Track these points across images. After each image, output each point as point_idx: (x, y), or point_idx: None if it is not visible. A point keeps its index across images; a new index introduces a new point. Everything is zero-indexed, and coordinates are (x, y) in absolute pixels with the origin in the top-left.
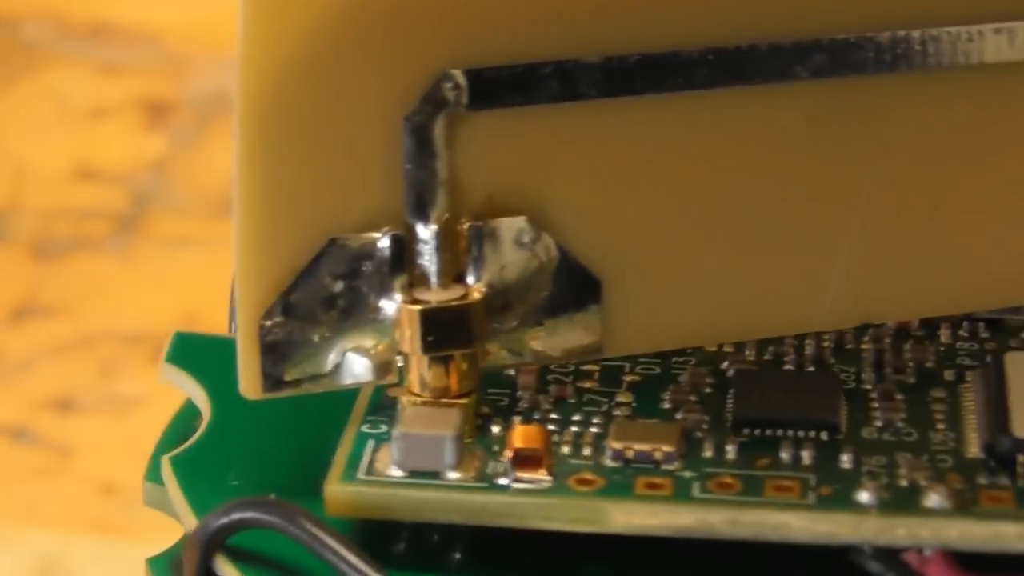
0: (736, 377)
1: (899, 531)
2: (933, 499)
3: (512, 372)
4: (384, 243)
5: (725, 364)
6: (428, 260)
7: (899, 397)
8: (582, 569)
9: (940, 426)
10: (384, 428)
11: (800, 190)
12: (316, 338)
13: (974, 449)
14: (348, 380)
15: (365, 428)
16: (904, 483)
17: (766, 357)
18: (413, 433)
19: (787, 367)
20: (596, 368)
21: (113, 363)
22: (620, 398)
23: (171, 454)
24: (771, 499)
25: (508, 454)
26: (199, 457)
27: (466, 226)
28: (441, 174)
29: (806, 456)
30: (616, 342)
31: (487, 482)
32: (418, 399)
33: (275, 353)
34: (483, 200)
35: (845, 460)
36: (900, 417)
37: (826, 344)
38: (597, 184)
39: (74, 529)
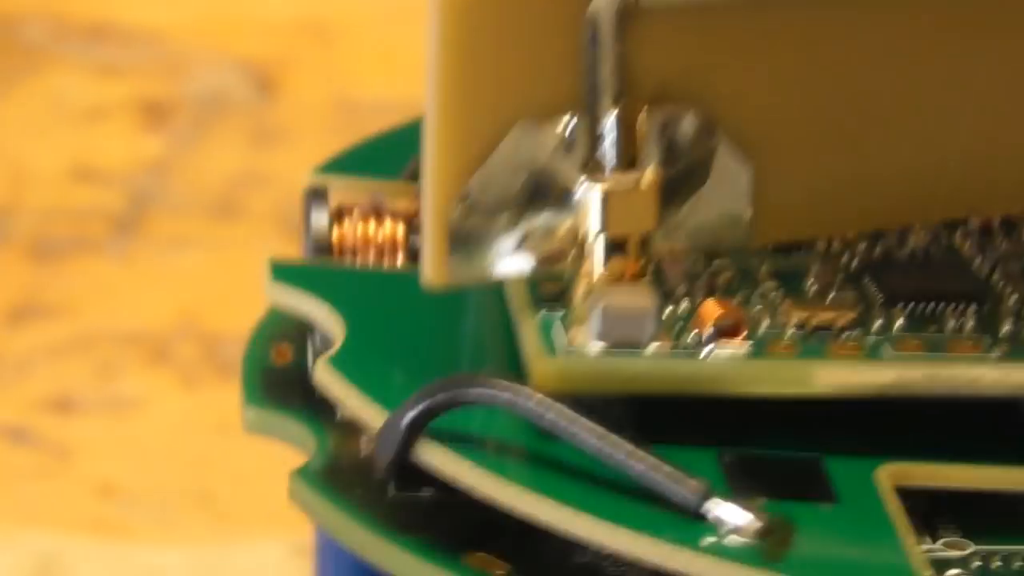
0: (868, 265)
1: None
2: None
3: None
4: (567, 128)
5: (840, 257)
6: (607, 145)
7: (1021, 278)
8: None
9: None
10: (562, 314)
11: (924, 83)
12: (500, 224)
13: None
14: (524, 267)
15: (543, 315)
16: None
17: (874, 251)
18: (616, 306)
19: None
20: (727, 262)
21: (112, 363)
22: (766, 285)
23: (328, 356)
24: (962, 354)
25: (706, 325)
26: (356, 359)
27: (640, 113)
28: (616, 64)
29: (970, 323)
30: (761, 231)
31: (689, 352)
32: (601, 281)
33: (462, 239)
34: (655, 89)
35: (1007, 324)
36: None
37: (921, 240)
38: (755, 75)
39: (74, 529)
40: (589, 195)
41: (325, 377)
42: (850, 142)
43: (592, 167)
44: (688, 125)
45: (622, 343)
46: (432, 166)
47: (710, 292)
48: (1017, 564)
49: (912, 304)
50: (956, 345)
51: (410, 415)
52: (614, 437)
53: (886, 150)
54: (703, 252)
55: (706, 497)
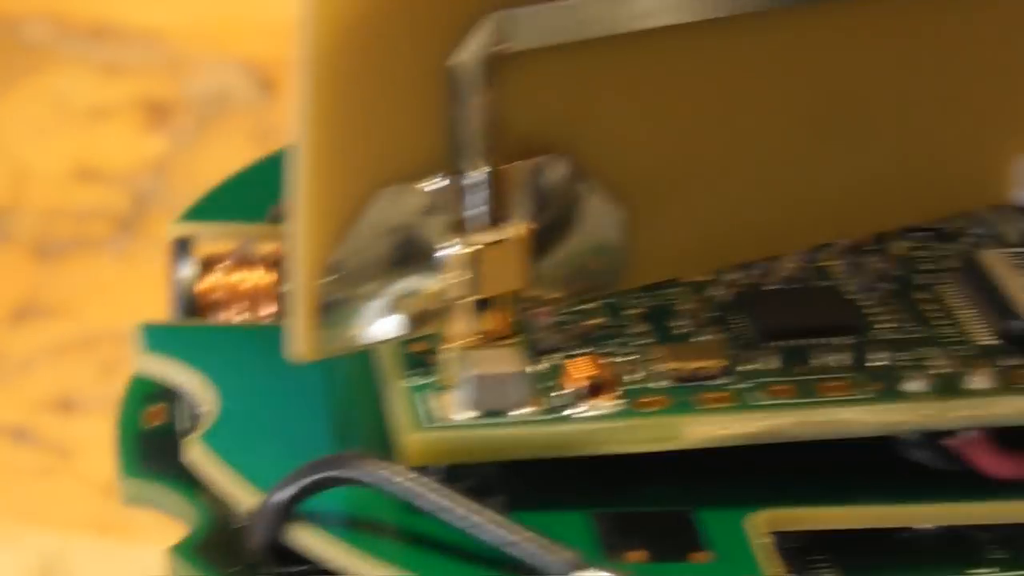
0: (740, 298)
1: (954, 413)
2: (977, 381)
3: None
4: (434, 189)
5: (711, 291)
6: (476, 203)
7: (893, 300)
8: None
9: (942, 322)
10: (430, 380)
11: (790, 117)
12: (369, 291)
13: (985, 338)
14: (392, 333)
15: (412, 382)
16: (943, 371)
17: (745, 282)
18: (486, 374)
19: (773, 287)
20: (598, 306)
21: (114, 363)
22: (636, 329)
23: (198, 435)
24: (832, 398)
25: (576, 385)
26: (228, 436)
27: (509, 167)
28: (482, 117)
29: (841, 358)
30: (634, 273)
31: (559, 414)
32: (470, 344)
33: (330, 310)
34: (524, 141)
35: (880, 358)
36: (901, 318)
37: (792, 266)
38: (624, 117)
39: (74, 529)
40: (457, 256)
41: (197, 456)
42: (721, 178)
43: (459, 227)
44: (557, 172)
45: (492, 409)
46: (300, 238)
47: (580, 342)
48: None
49: (784, 341)
50: (827, 387)
51: (280, 497)
52: (487, 512)
53: (757, 182)
54: (574, 298)
55: (578, 567)
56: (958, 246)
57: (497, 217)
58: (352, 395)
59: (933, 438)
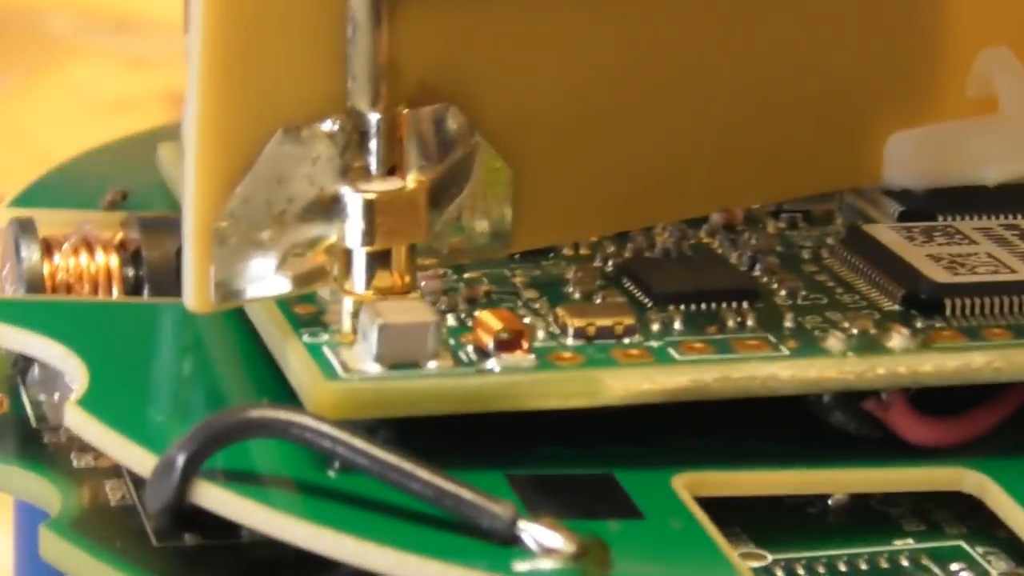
0: (626, 267)
1: (879, 371)
2: (896, 340)
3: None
4: (330, 130)
5: (591, 263)
6: (371, 149)
7: (783, 271)
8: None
9: (839, 291)
10: (326, 336)
11: (672, 83)
12: (263, 241)
13: (889, 305)
14: (289, 287)
15: (307, 339)
16: (857, 331)
17: (625, 256)
18: (395, 323)
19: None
20: (478, 275)
21: None
22: (527, 295)
23: (75, 399)
24: (753, 354)
25: (485, 337)
26: (107, 400)
27: (404, 112)
28: (376, 57)
29: (750, 321)
30: (520, 237)
31: (472, 368)
32: (368, 299)
33: (227, 259)
34: (419, 87)
35: (788, 320)
36: (796, 287)
37: (668, 240)
38: (513, 70)
39: None
40: (352, 205)
41: (77, 421)
42: (604, 140)
43: (355, 174)
44: (450, 125)
45: (402, 362)
46: (195, 180)
47: (471, 307)
48: (821, 570)
49: (685, 305)
50: (742, 345)
51: (185, 453)
52: (412, 463)
53: (638, 148)
54: (459, 262)
55: (515, 520)
56: (832, 227)
57: (391, 165)
58: (231, 362)
59: (852, 401)
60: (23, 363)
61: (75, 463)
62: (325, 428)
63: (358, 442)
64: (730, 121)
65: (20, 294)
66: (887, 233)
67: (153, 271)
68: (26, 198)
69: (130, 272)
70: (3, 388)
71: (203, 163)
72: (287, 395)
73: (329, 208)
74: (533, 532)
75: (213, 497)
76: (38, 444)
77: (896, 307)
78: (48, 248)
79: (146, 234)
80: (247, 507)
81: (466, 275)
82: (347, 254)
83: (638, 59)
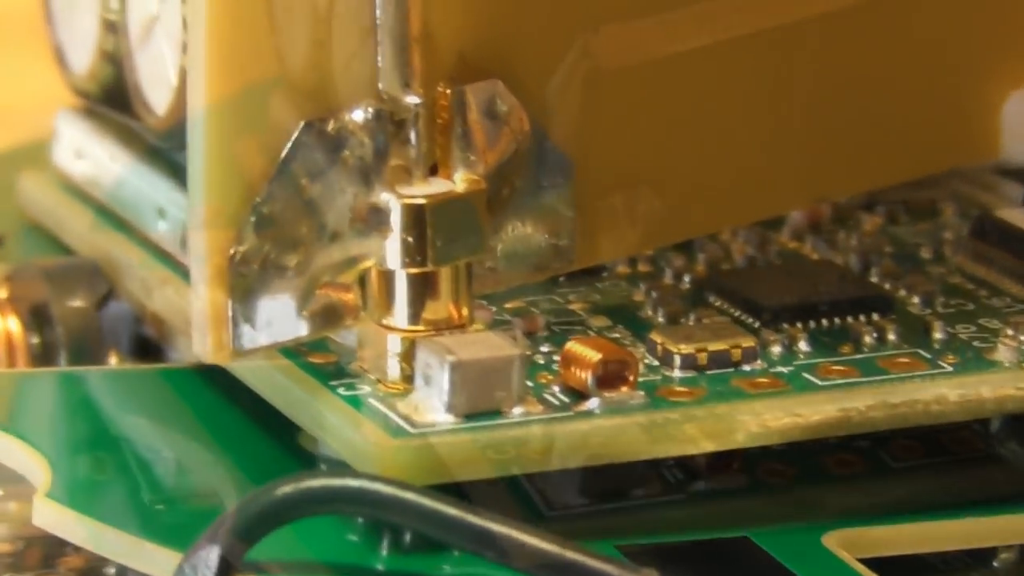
0: (712, 280)
1: None
2: None
3: None
4: (361, 120)
5: (658, 280)
6: (410, 140)
7: (908, 274)
8: None
9: (983, 292)
10: (367, 387)
11: (751, 61)
12: (291, 264)
13: None
14: (311, 327)
15: (343, 391)
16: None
17: (698, 267)
18: (474, 360)
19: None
20: (524, 302)
21: None
22: (595, 322)
23: (45, 493)
24: (912, 373)
25: (581, 372)
26: (85, 488)
27: (444, 91)
28: (410, 26)
29: (891, 335)
30: (585, 250)
31: (569, 411)
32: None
33: (247, 292)
34: (456, 60)
35: (937, 330)
36: (933, 290)
37: (742, 246)
38: (569, 43)
39: None
40: (395, 214)
41: (49, 518)
42: (680, 126)
43: (392, 175)
44: (500, 107)
45: (482, 410)
46: (204, 198)
47: (533, 340)
48: None
49: (802, 322)
50: (892, 363)
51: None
52: (543, 533)
53: (720, 135)
54: (510, 284)
55: None
56: (942, 218)
57: (433, 161)
58: (219, 430)
59: None
60: None
61: None
62: (426, 503)
63: (476, 519)
64: (817, 99)
65: None
66: None
67: (71, 333)
68: None
69: (34, 339)
70: None
71: (212, 171)
72: (290, 468)
73: (365, 220)
74: None
75: None
76: None
77: None
78: None
79: (53, 286)
80: None
81: (507, 304)
82: (386, 280)
83: (715, 48)
